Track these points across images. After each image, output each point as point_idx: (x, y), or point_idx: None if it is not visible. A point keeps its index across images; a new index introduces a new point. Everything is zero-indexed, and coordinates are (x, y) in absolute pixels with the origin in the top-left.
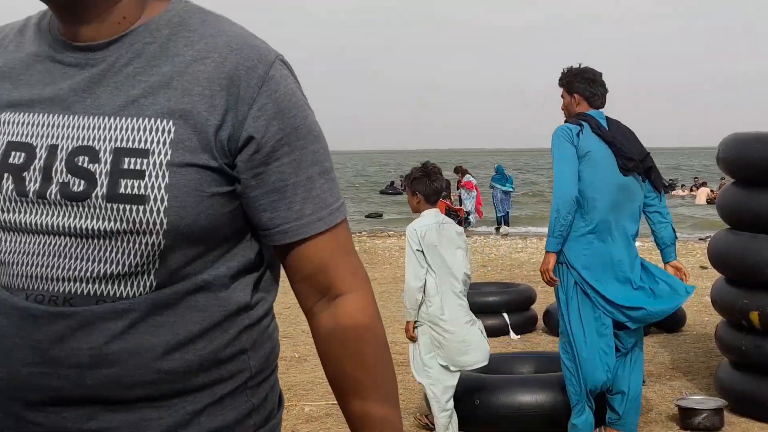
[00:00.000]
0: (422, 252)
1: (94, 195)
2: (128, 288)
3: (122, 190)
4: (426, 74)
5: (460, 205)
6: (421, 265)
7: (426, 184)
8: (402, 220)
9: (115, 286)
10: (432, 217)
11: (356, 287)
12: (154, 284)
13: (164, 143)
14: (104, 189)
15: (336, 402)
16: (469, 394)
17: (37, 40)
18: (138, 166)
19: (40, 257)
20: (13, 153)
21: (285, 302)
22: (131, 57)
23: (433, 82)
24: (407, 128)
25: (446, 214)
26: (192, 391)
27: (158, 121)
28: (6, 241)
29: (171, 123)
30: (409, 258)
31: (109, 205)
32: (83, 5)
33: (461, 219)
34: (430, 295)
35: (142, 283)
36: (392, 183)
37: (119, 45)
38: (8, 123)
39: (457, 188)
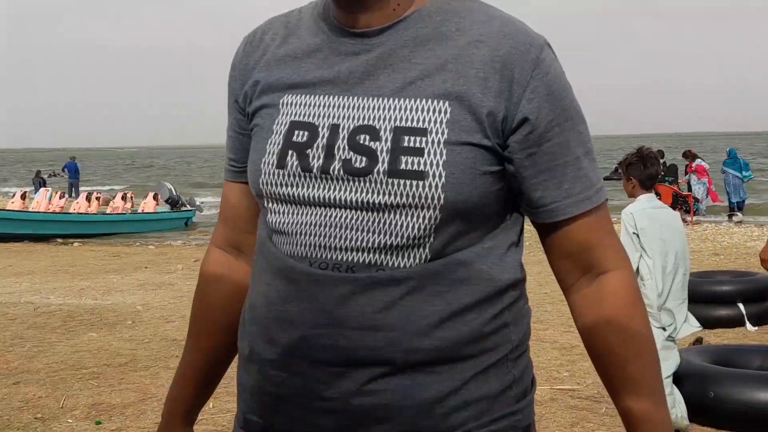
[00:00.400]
0: (637, 235)
1: (375, 171)
2: (405, 259)
3: (403, 166)
4: None
5: (689, 191)
6: (636, 249)
7: (640, 169)
8: (622, 206)
9: (394, 257)
10: (646, 201)
11: (619, 265)
12: (429, 256)
13: (441, 123)
14: (386, 165)
15: (560, 387)
16: (704, 385)
17: (314, 28)
18: (417, 144)
19: (323, 228)
20: (296, 132)
21: None
22: (406, 41)
23: None
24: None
25: (674, 200)
26: (461, 360)
27: (435, 102)
28: (289, 213)
29: (447, 104)
30: (624, 241)
31: (390, 180)
32: None
33: (690, 205)
34: (644, 279)
35: (418, 255)
36: (616, 169)
37: (393, 31)
38: (291, 104)
39: (686, 173)
